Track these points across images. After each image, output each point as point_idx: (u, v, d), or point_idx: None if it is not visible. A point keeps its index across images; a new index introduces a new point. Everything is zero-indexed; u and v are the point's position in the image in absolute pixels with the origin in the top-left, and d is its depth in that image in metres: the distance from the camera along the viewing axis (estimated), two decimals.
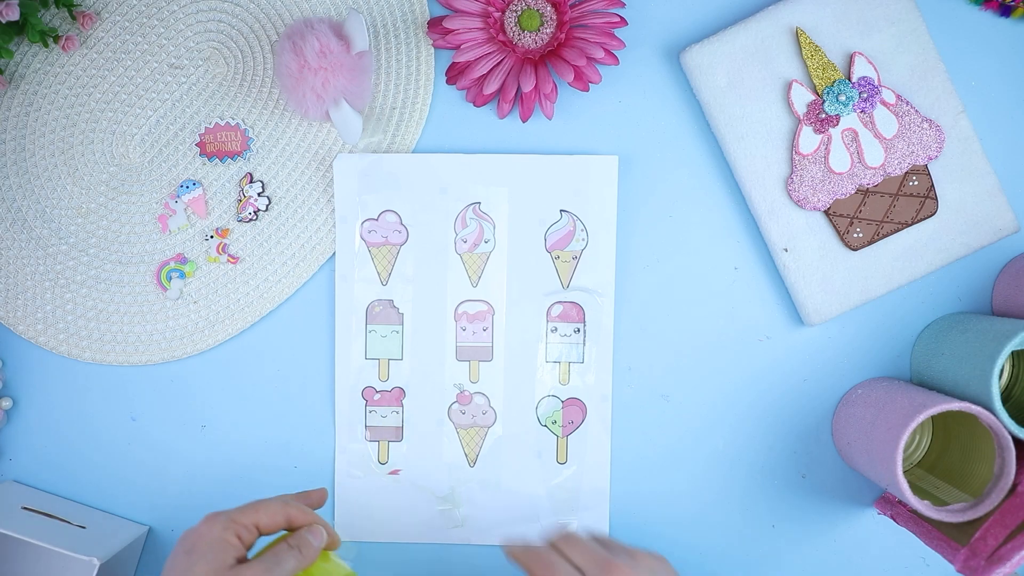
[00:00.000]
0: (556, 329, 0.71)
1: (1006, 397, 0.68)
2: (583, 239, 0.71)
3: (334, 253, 0.72)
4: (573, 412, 0.72)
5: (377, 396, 0.72)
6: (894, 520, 0.68)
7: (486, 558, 0.72)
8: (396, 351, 0.72)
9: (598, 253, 0.71)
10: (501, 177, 0.71)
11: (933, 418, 0.70)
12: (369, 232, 0.71)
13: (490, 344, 0.72)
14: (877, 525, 0.72)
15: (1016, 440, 0.62)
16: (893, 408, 0.64)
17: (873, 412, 0.66)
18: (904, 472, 0.62)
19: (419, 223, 0.71)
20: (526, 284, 0.71)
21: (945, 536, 0.63)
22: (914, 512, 0.67)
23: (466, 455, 0.72)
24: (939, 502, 0.63)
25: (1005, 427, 0.61)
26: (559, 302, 0.71)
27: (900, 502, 0.68)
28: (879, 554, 0.72)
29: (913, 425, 0.60)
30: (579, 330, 0.71)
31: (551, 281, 0.71)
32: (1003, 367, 0.69)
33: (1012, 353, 0.69)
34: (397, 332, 0.72)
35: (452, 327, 0.72)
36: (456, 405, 0.72)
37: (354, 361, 0.72)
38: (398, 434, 0.72)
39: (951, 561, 0.62)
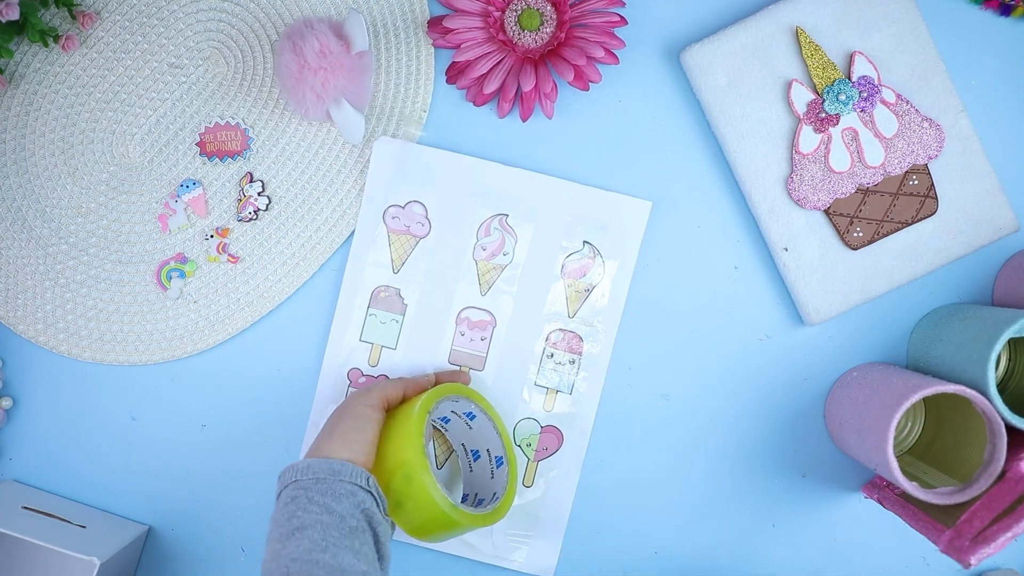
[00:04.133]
0: (552, 356, 0.71)
1: (1002, 388, 0.69)
2: (600, 274, 0.71)
3: (335, 252, 0.72)
4: (549, 439, 0.71)
5: (362, 380, 0.72)
6: (880, 504, 0.68)
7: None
8: (391, 340, 0.72)
9: (611, 290, 0.71)
10: (534, 195, 0.71)
11: (926, 405, 0.70)
12: (393, 218, 0.71)
13: (484, 354, 0.71)
14: (877, 524, 0.72)
15: (1007, 428, 0.63)
16: (888, 388, 0.64)
17: (867, 392, 0.66)
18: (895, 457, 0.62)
19: (444, 221, 0.71)
20: (533, 305, 0.71)
21: (931, 519, 0.64)
22: (901, 495, 0.67)
23: (436, 457, 0.72)
24: (927, 486, 0.63)
25: (998, 412, 0.61)
26: (561, 329, 0.71)
27: (888, 485, 0.68)
28: (880, 553, 0.72)
29: (907, 404, 0.61)
30: (574, 361, 0.71)
31: (558, 307, 0.71)
32: (1000, 358, 0.69)
33: (1010, 345, 0.69)
34: (397, 321, 0.71)
35: (452, 329, 0.71)
36: None
37: (348, 341, 0.71)
38: None
39: (935, 542, 0.62)
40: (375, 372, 0.72)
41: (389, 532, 0.61)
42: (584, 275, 0.71)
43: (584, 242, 0.71)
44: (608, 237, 0.71)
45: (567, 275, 0.71)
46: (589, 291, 0.71)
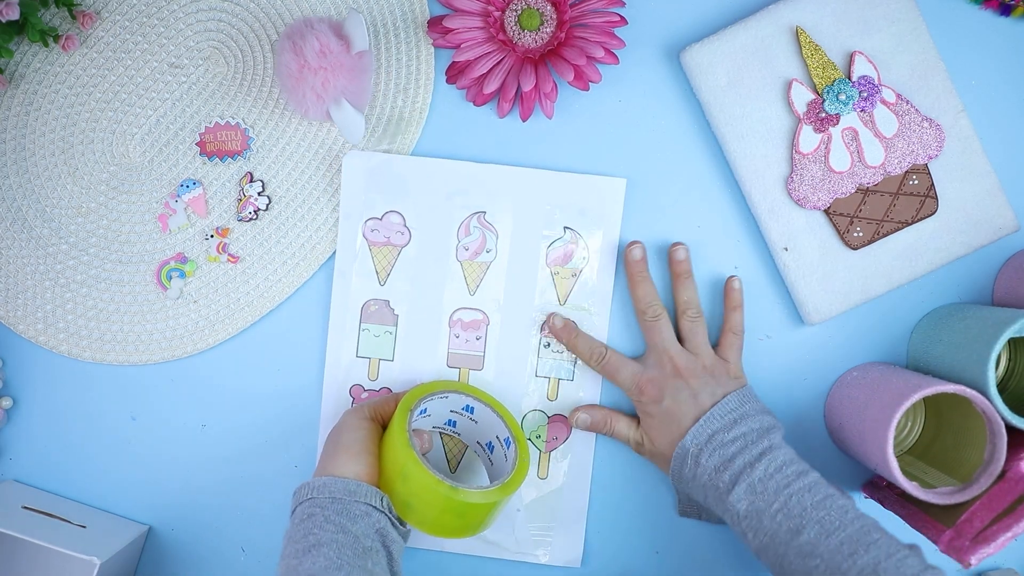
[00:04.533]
0: (549, 344, 0.71)
1: (1002, 388, 0.69)
2: (584, 257, 0.71)
3: (334, 252, 0.72)
4: (558, 428, 0.72)
5: (365, 395, 0.72)
6: (880, 504, 0.68)
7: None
8: (388, 352, 0.72)
9: (597, 273, 0.71)
10: (509, 189, 0.71)
11: (926, 405, 0.70)
12: (372, 231, 0.71)
13: (482, 353, 0.71)
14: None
15: (1007, 428, 0.63)
16: (888, 388, 0.64)
17: (867, 393, 0.66)
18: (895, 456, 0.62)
19: (423, 227, 0.71)
20: (523, 297, 0.71)
21: (931, 518, 0.64)
22: (901, 495, 0.67)
23: (448, 462, 0.72)
24: (927, 486, 0.63)
25: (998, 412, 0.61)
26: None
27: (888, 485, 0.68)
28: None
29: (908, 404, 0.61)
30: None
31: (548, 296, 0.71)
32: (1000, 358, 0.69)
33: (1010, 345, 0.69)
34: (390, 333, 0.71)
35: (446, 333, 0.71)
36: None
37: (345, 358, 0.71)
38: None
39: (935, 542, 0.62)
40: (376, 386, 0.72)
41: (402, 549, 0.62)
42: (569, 260, 0.71)
43: (565, 227, 0.71)
44: (588, 219, 0.71)
45: (552, 263, 0.71)
46: (576, 275, 0.71)
